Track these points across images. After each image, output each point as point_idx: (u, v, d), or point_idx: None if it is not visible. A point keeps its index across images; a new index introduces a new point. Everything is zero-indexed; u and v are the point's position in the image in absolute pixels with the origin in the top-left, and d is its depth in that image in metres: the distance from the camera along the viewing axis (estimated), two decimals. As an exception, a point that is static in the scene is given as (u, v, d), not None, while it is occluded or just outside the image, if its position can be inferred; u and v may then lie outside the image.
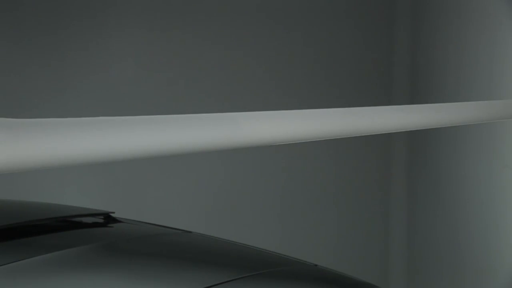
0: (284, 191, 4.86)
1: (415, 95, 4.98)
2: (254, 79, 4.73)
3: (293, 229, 4.87)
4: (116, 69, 4.39)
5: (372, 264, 5.05)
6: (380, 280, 5.01)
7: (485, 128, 4.27)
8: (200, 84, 4.59)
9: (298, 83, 4.86)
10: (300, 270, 2.00)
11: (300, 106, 4.75)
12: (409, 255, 5.02)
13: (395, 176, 5.14)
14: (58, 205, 2.61)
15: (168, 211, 4.47)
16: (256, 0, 4.72)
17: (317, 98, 4.85)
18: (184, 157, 4.40)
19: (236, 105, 4.59)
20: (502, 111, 2.10)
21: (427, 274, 4.87)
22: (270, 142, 1.45)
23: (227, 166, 4.67)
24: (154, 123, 1.28)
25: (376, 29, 5.06)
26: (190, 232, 2.38)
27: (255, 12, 4.72)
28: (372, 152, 5.10)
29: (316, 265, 2.11)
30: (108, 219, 2.37)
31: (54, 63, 4.25)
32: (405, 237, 5.04)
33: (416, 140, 4.97)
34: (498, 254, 4.31)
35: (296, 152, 4.80)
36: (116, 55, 4.39)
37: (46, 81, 4.24)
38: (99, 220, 2.36)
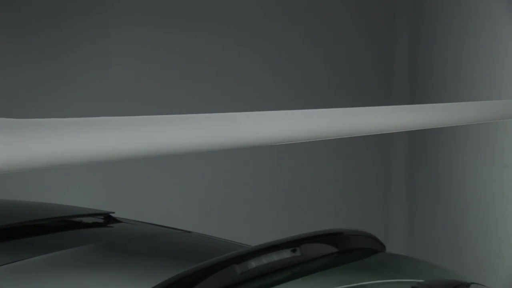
0: (284, 191, 4.86)
1: (415, 95, 4.98)
2: (254, 79, 4.73)
3: (292, 229, 4.86)
4: (116, 69, 4.39)
5: (372, 264, 5.04)
6: (380, 280, 5.00)
7: (485, 128, 4.27)
8: (200, 84, 4.59)
9: (298, 83, 4.86)
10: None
11: (300, 106, 4.74)
12: (409, 255, 5.02)
13: (395, 176, 5.13)
14: (58, 205, 2.61)
15: (168, 211, 4.47)
16: (256, 1, 4.72)
17: (317, 98, 4.85)
18: (184, 157, 4.40)
19: (236, 105, 4.59)
20: (502, 111, 2.10)
21: (427, 274, 4.86)
22: (270, 142, 1.45)
23: (227, 166, 4.66)
24: (154, 123, 1.27)
25: (376, 29, 5.06)
26: (190, 232, 2.38)
27: (255, 12, 4.72)
28: (372, 152, 5.10)
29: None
30: (108, 219, 2.37)
31: (54, 63, 4.25)
32: (405, 237, 5.04)
33: (416, 140, 4.97)
34: (498, 254, 4.31)
35: (296, 152, 4.80)
36: (116, 55, 4.38)
37: (46, 81, 4.23)
38: (99, 220, 2.35)
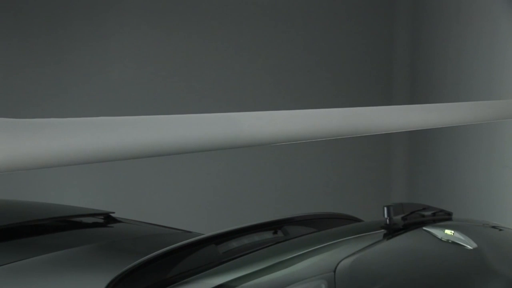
0: (284, 191, 4.85)
1: (415, 95, 4.98)
2: (255, 80, 4.73)
3: (293, 229, 4.87)
4: (116, 69, 4.39)
5: (372, 264, 5.04)
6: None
7: (485, 128, 4.26)
8: (200, 84, 4.59)
9: (299, 83, 4.86)
10: None
11: (300, 106, 4.75)
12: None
13: (395, 176, 5.13)
14: (58, 205, 2.61)
15: (168, 211, 4.47)
16: (256, 1, 4.72)
17: (317, 98, 4.85)
18: (184, 157, 4.40)
19: (236, 105, 4.59)
20: (502, 111, 2.09)
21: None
22: (270, 142, 1.45)
23: (227, 166, 4.66)
24: (154, 123, 1.27)
25: (376, 29, 5.06)
26: (190, 232, 2.38)
27: (256, 13, 4.72)
28: (372, 152, 5.10)
29: None
30: (108, 219, 2.37)
31: (55, 63, 4.25)
32: (405, 237, 5.03)
33: (416, 140, 4.97)
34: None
35: (296, 152, 4.80)
36: (116, 55, 4.39)
37: (46, 81, 4.24)
38: (99, 220, 2.35)
